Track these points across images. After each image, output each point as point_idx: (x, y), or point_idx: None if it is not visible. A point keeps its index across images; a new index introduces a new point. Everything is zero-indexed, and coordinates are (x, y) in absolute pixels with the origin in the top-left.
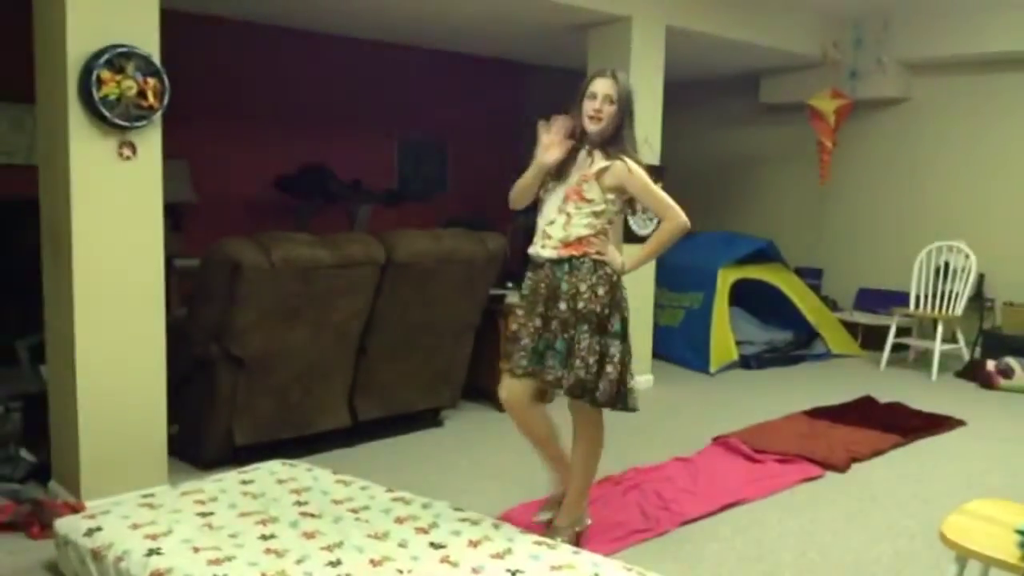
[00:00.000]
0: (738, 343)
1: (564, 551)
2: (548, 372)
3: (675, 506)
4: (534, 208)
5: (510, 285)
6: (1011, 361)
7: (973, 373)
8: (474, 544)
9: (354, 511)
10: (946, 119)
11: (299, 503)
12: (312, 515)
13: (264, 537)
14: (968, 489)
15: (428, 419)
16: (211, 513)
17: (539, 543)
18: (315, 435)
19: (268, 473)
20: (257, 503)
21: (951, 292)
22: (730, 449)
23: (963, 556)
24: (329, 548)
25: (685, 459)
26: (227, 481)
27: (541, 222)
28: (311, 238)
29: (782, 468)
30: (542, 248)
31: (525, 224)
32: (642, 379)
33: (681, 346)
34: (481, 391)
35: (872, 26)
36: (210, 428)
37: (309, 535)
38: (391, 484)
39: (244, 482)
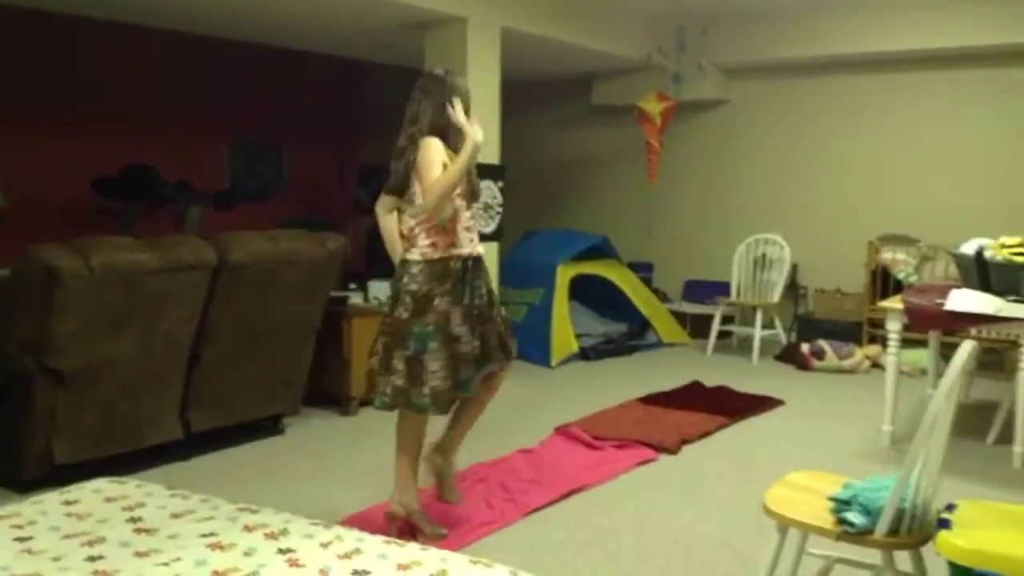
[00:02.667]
0: (577, 336)
1: (412, 548)
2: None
3: (520, 497)
4: (372, 209)
5: (352, 287)
6: (823, 343)
7: (790, 356)
8: (324, 546)
9: (196, 524)
10: (762, 120)
11: (132, 520)
12: (147, 531)
13: (92, 559)
14: (788, 463)
15: (269, 427)
16: (30, 537)
17: (388, 542)
18: (146, 450)
19: (93, 492)
20: (83, 524)
21: (768, 281)
22: (571, 438)
23: (784, 525)
24: (166, 564)
25: (528, 450)
26: (47, 503)
27: (462, 222)
28: (134, 242)
29: (620, 453)
30: (473, 246)
31: (368, 224)
32: None
33: (524, 341)
34: (324, 396)
35: (693, 32)
36: (27, 447)
37: (143, 554)
38: (231, 496)
39: (67, 502)
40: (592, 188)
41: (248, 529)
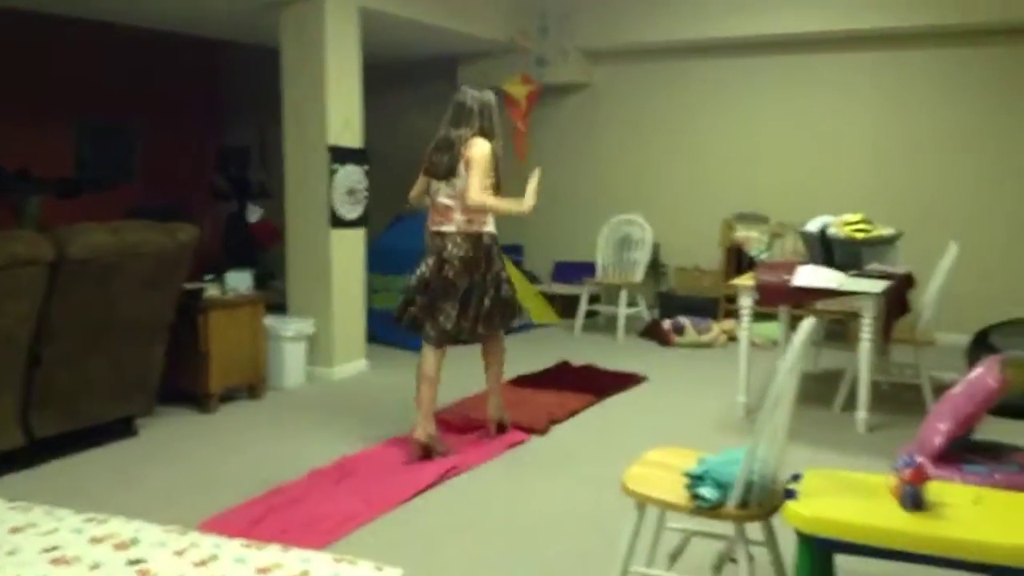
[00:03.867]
0: None
1: (272, 551)
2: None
3: (390, 487)
4: (238, 197)
5: (209, 278)
6: (683, 319)
7: (653, 332)
8: (178, 554)
9: (38, 538)
10: (623, 103)
11: None
12: None
13: None
14: (651, 438)
15: (120, 429)
16: None
17: (247, 546)
18: None
19: None
20: None
21: (632, 261)
22: (443, 423)
23: (641, 502)
24: None
25: (398, 440)
26: None
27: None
28: None
29: (490, 437)
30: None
31: (230, 210)
32: (356, 364)
33: (396, 328)
34: (180, 393)
35: (555, 16)
36: None
37: None
38: (79, 506)
39: None
40: None
41: (95, 540)
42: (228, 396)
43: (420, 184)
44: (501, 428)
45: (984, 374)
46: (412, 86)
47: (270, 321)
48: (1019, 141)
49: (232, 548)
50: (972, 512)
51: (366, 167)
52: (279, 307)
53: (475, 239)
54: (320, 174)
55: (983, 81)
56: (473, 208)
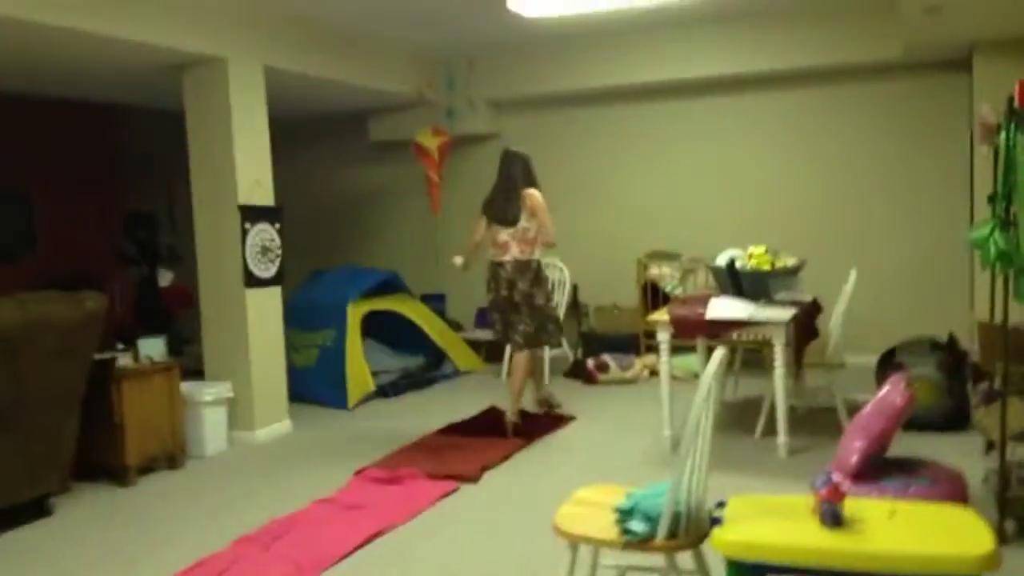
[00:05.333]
0: (374, 373)
1: None
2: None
3: (322, 548)
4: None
5: (120, 347)
6: (606, 357)
7: (577, 372)
8: None
9: None
10: (532, 150)
11: None
12: None
13: None
14: (582, 477)
15: (33, 510)
16: None
17: None
18: None
19: None
20: None
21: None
22: (371, 480)
23: (574, 542)
24: None
25: (327, 499)
26: None
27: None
28: None
29: (421, 489)
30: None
31: (140, 276)
32: (279, 425)
33: (318, 385)
34: (96, 468)
35: (460, 67)
36: None
37: None
38: None
39: None
40: (377, 224)
41: None
42: (147, 468)
43: (482, 229)
44: (549, 406)
45: (892, 391)
46: (323, 142)
47: (187, 387)
48: (907, 171)
49: None
50: (887, 525)
51: (278, 225)
52: (196, 372)
53: (527, 264)
54: (232, 234)
55: (873, 116)
56: (550, 243)
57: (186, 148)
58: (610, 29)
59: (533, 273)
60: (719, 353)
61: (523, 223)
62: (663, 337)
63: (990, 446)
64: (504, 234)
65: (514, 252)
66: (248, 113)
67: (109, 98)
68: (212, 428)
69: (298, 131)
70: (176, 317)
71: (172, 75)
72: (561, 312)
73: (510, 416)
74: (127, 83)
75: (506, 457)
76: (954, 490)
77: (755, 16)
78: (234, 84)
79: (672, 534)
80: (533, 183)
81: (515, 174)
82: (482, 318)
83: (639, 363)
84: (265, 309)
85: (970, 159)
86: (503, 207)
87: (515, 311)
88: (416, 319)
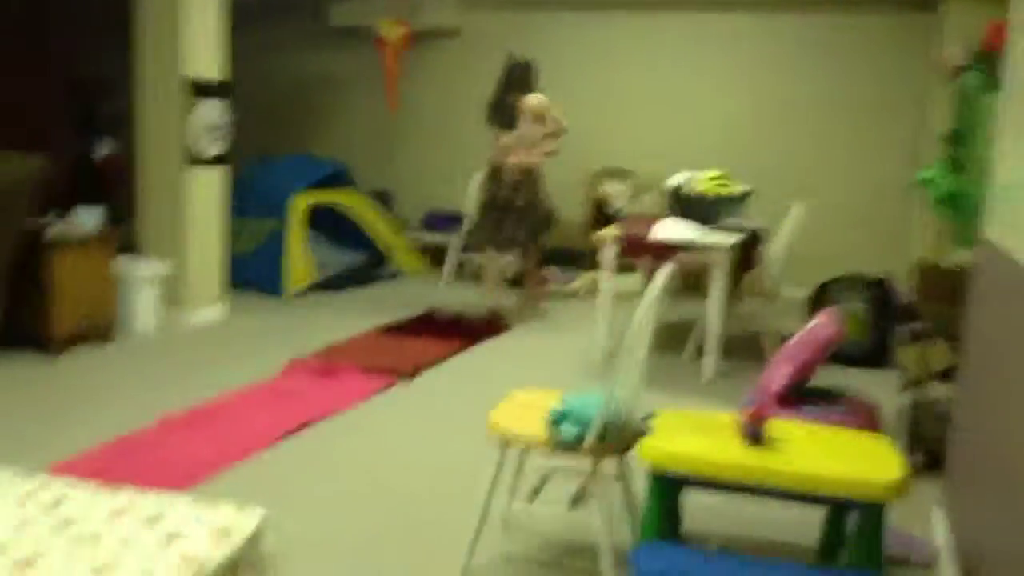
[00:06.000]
0: (316, 267)
1: (126, 494)
2: None
3: (251, 432)
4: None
5: (55, 212)
6: (555, 269)
7: (524, 280)
8: (26, 496)
9: None
10: (493, 52)
11: None
12: None
13: None
14: (516, 383)
15: None
16: None
17: (98, 490)
18: None
19: None
20: None
21: None
22: (305, 370)
23: (505, 440)
24: None
25: (258, 386)
26: None
27: None
28: None
29: (355, 383)
30: None
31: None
32: (214, 309)
33: (258, 272)
34: (23, 337)
35: None
36: None
37: None
38: None
39: None
40: (331, 112)
41: None
42: (75, 340)
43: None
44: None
45: (822, 324)
46: (281, 21)
47: (121, 262)
48: (864, 107)
49: (83, 491)
50: (806, 446)
51: (229, 102)
52: (131, 249)
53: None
54: (176, 108)
55: (836, 50)
56: (562, 129)
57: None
58: None
59: (536, 178)
60: (667, 268)
61: (523, 128)
62: (609, 254)
63: (908, 383)
64: (506, 137)
65: (519, 156)
66: None
67: None
68: (145, 306)
69: (254, 9)
70: (113, 190)
71: None
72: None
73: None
74: None
75: (442, 358)
76: (870, 420)
77: None
78: None
79: (601, 440)
80: (530, 91)
81: (511, 80)
82: (430, 220)
83: (585, 277)
84: (208, 189)
85: (923, 101)
86: (496, 111)
87: (512, 213)
88: (362, 216)
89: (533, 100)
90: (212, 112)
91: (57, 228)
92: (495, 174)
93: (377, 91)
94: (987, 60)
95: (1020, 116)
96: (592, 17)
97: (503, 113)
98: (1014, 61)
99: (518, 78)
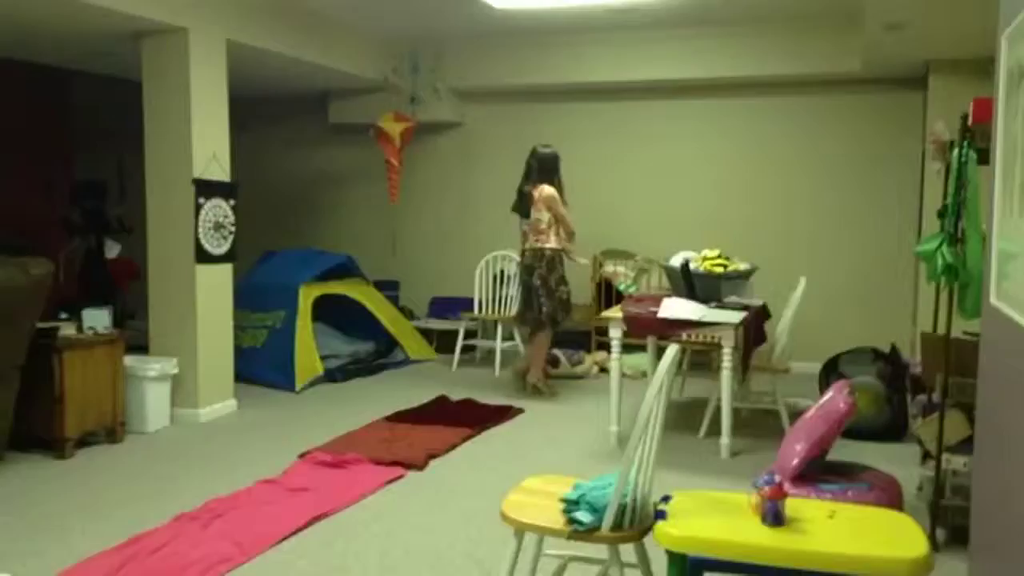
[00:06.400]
0: (323, 358)
1: None
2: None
3: (263, 528)
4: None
5: (64, 316)
6: (557, 352)
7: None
8: None
9: None
10: (494, 142)
11: None
12: None
13: None
14: (528, 468)
15: None
16: None
17: None
18: None
19: None
20: None
21: (506, 296)
22: (316, 463)
23: (520, 529)
24: None
25: (271, 480)
26: None
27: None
28: None
29: (366, 475)
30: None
31: (87, 246)
32: (224, 405)
33: (266, 366)
34: (33, 439)
35: (427, 55)
36: None
37: None
38: None
39: None
40: (333, 207)
41: None
42: (85, 441)
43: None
44: (523, 376)
45: (834, 398)
46: (282, 121)
47: (130, 361)
48: (859, 183)
49: None
50: (827, 526)
51: (233, 202)
52: (140, 348)
53: (541, 252)
54: (185, 208)
55: (829, 128)
56: (569, 232)
57: (140, 118)
58: (578, 26)
59: (548, 260)
60: (672, 349)
61: (534, 215)
62: (615, 334)
63: (926, 456)
64: (524, 224)
65: (530, 241)
66: (207, 86)
67: (62, 62)
68: (155, 404)
69: (255, 108)
70: (122, 290)
71: (130, 43)
72: (514, 307)
73: (531, 380)
74: (83, 48)
75: (453, 446)
76: (890, 496)
77: (721, 23)
78: (195, 55)
79: (617, 526)
80: (548, 179)
81: (530, 169)
82: (436, 308)
83: (589, 359)
84: (215, 286)
85: (921, 175)
86: (519, 200)
87: (534, 294)
88: (368, 305)
89: (539, 190)
90: (218, 211)
91: (66, 330)
92: (520, 257)
93: (378, 184)
94: (975, 134)
95: (1011, 186)
96: (586, 106)
97: (524, 202)
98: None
99: (539, 168)
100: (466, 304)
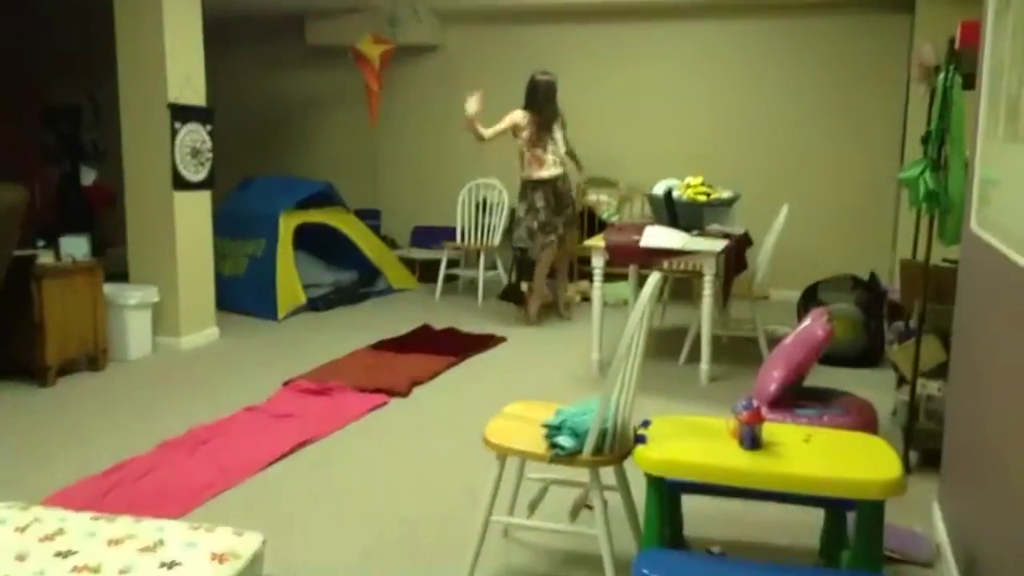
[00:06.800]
0: (305, 287)
1: (123, 522)
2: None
3: (247, 454)
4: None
5: (41, 244)
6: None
7: (511, 295)
8: (21, 530)
9: None
10: (476, 65)
11: None
12: None
13: None
14: (510, 395)
15: None
16: None
17: (95, 519)
18: None
19: None
20: None
21: (489, 225)
22: (300, 390)
23: (502, 454)
24: None
25: (255, 407)
26: None
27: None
28: None
29: (350, 401)
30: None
31: (62, 172)
32: (205, 333)
33: (247, 295)
34: (15, 367)
35: None
36: None
37: None
38: None
39: None
40: (312, 132)
41: None
42: (67, 369)
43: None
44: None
45: (812, 325)
46: (258, 43)
47: (110, 289)
48: (844, 109)
49: (80, 521)
50: (803, 449)
51: (210, 127)
52: (119, 275)
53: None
54: (160, 133)
55: (815, 52)
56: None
57: (113, 39)
58: None
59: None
60: (654, 277)
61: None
62: (597, 263)
63: (901, 381)
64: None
65: (550, 168)
66: (181, 5)
67: None
68: (136, 333)
69: (230, 29)
70: (99, 217)
71: None
72: (497, 236)
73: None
74: None
75: (436, 373)
76: (865, 420)
77: None
78: None
79: (598, 450)
80: (542, 106)
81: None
82: (418, 237)
83: (571, 288)
84: (194, 213)
85: (905, 101)
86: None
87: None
88: (350, 234)
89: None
90: (194, 137)
91: (44, 257)
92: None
93: (357, 109)
94: (961, 59)
95: (997, 109)
96: (570, 29)
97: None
98: (988, 59)
99: (531, 94)
100: (448, 233)
